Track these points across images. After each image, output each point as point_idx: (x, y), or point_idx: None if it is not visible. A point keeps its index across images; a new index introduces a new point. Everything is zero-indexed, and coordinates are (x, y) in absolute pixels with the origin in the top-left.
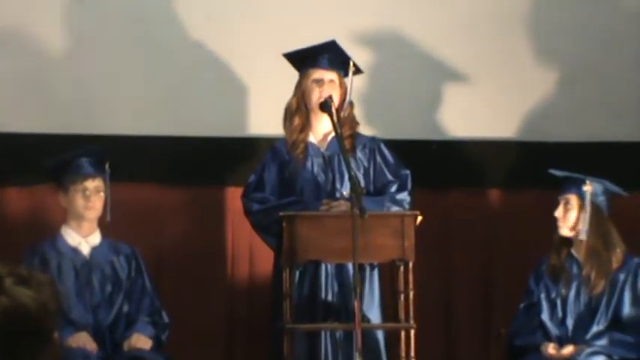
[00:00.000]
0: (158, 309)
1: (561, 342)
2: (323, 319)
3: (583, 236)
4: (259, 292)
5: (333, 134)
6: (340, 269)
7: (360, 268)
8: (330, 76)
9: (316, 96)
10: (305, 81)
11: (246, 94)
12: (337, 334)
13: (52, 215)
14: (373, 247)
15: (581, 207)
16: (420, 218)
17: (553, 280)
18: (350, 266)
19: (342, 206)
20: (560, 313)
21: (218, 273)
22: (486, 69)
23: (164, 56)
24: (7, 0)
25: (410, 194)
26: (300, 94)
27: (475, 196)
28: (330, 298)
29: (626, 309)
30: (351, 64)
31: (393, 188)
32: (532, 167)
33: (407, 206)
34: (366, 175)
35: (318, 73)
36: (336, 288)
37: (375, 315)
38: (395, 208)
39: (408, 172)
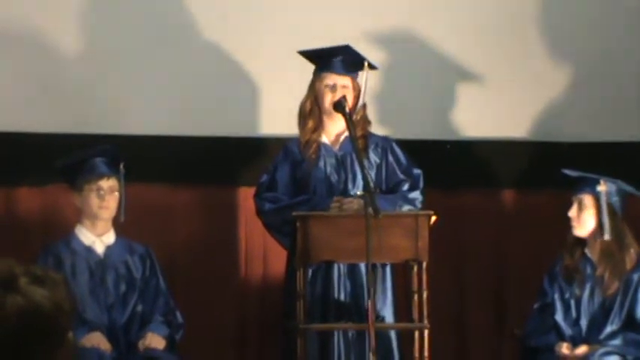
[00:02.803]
0: (172, 309)
1: (575, 342)
2: (335, 319)
3: (607, 236)
4: (272, 292)
5: (345, 134)
6: (352, 269)
7: (373, 268)
8: (343, 81)
9: (329, 100)
10: (318, 84)
11: (259, 94)
12: (350, 334)
13: (64, 215)
14: (386, 247)
15: (595, 207)
16: (434, 218)
17: (567, 280)
18: (362, 266)
19: (354, 204)
20: (574, 314)
21: (231, 273)
22: (499, 69)
23: (177, 56)
24: (21, 1)
25: (422, 193)
26: (313, 96)
27: (488, 197)
28: (342, 297)
29: None
30: (366, 64)
31: (405, 187)
32: (545, 167)
33: (419, 205)
34: (377, 174)
35: (331, 78)
36: (348, 288)
37: (388, 314)
38: (407, 207)
39: (419, 171)
